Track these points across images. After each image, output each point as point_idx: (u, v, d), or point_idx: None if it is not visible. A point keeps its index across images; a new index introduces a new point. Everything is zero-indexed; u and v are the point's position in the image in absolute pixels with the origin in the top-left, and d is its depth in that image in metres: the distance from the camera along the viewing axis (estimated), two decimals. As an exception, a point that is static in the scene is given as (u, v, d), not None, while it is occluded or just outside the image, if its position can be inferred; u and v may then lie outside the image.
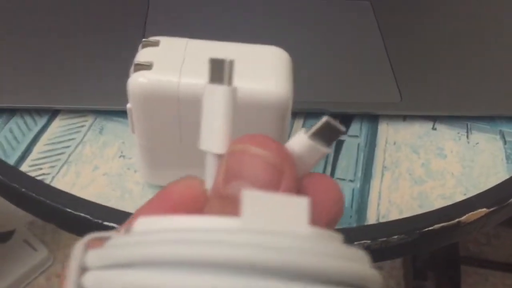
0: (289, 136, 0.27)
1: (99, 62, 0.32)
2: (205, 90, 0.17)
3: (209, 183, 0.16)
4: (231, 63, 0.17)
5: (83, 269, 0.12)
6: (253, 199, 0.12)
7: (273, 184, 0.14)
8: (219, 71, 0.17)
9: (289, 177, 0.14)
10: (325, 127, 0.15)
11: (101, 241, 0.13)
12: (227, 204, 0.14)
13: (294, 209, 0.12)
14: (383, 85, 0.32)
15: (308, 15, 0.37)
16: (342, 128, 0.15)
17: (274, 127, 0.24)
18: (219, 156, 0.16)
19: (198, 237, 0.11)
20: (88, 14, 0.35)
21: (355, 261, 0.12)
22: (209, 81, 0.17)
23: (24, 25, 0.34)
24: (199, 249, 0.11)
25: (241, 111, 0.23)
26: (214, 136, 0.16)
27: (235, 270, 0.11)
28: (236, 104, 0.17)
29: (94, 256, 0.12)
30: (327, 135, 0.15)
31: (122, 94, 0.30)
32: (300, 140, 0.15)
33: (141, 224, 0.13)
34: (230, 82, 0.17)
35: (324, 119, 0.15)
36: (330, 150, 0.16)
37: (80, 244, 0.13)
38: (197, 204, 0.15)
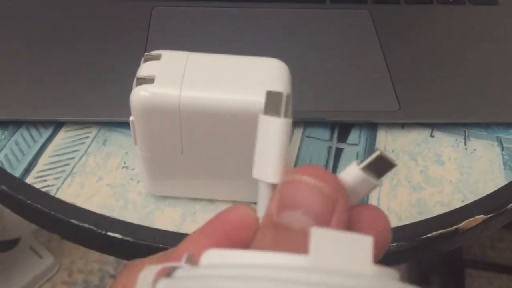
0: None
1: (102, 75, 0.32)
2: (260, 121, 0.17)
3: (261, 212, 0.16)
4: (288, 97, 0.17)
5: None
6: (321, 237, 0.13)
7: (326, 214, 0.14)
8: (276, 103, 0.17)
9: (342, 209, 0.15)
10: (378, 160, 0.16)
11: (167, 270, 0.13)
12: (281, 233, 0.14)
13: (359, 248, 0.13)
14: (382, 93, 0.33)
15: (307, 25, 0.38)
16: (394, 161, 0.16)
17: (273, 142, 0.24)
18: (273, 186, 0.16)
19: (270, 275, 0.12)
20: (92, 29, 0.36)
21: None
22: (264, 113, 0.17)
23: (30, 40, 0.35)
24: (272, 286, 0.11)
25: (240, 122, 0.24)
26: (268, 166, 0.17)
27: None
28: (288, 136, 0.17)
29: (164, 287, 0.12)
30: (379, 168, 0.16)
31: (125, 106, 0.30)
32: (352, 172, 0.16)
33: (209, 257, 0.13)
34: (286, 114, 0.17)
35: (377, 152, 0.16)
36: (379, 183, 0.16)
37: (149, 273, 0.13)
38: (250, 231, 0.16)
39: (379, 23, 0.38)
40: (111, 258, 1.05)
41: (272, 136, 0.17)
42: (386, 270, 0.13)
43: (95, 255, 1.06)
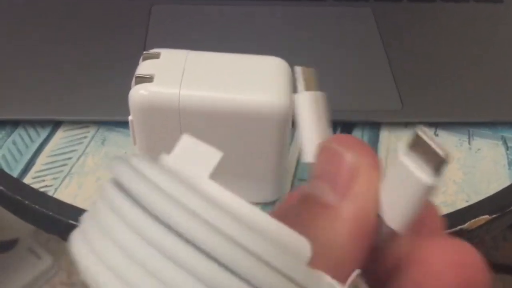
0: (290, 146, 0.28)
1: (101, 73, 0.32)
2: (299, 98, 0.17)
3: None
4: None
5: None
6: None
7: (343, 182, 0.13)
8: (311, 78, 0.17)
9: (366, 179, 0.13)
10: (418, 143, 0.11)
11: None
12: (304, 203, 0.13)
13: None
14: (384, 92, 0.33)
15: (308, 22, 0.37)
16: (442, 150, 0.11)
17: (274, 137, 0.24)
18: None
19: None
20: (90, 27, 0.35)
21: None
22: (305, 89, 0.17)
23: (26, 38, 0.34)
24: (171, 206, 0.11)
25: (242, 121, 0.23)
26: (307, 146, 0.16)
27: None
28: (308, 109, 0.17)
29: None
30: (424, 157, 0.11)
31: (123, 105, 0.30)
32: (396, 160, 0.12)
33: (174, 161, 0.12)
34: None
35: (417, 131, 0.11)
36: (433, 182, 0.11)
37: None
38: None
39: (382, 21, 0.38)
40: (111, 259, 1.05)
41: (312, 111, 0.17)
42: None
43: (94, 255, 1.06)
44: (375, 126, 0.32)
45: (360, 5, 0.39)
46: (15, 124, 0.30)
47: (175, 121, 0.23)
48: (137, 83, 0.23)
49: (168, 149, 0.25)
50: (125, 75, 0.32)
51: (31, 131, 0.30)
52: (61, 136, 0.30)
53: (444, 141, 0.31)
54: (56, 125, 0.31)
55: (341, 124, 0.32)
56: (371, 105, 0.32)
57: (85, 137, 0.30)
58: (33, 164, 0.29)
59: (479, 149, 0.31)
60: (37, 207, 0.27)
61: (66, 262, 1.02)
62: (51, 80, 0.31)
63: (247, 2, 0.38)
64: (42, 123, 0.30)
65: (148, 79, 0.23)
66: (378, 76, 0.34)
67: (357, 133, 0.31)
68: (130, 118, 0.24)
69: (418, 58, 0.35)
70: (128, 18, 0.36)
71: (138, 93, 0.23)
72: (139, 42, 0.34)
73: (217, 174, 0.12)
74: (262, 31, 0.36)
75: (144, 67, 0.24)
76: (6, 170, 0.28)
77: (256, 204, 0.28)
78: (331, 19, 0.38)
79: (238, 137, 0.24)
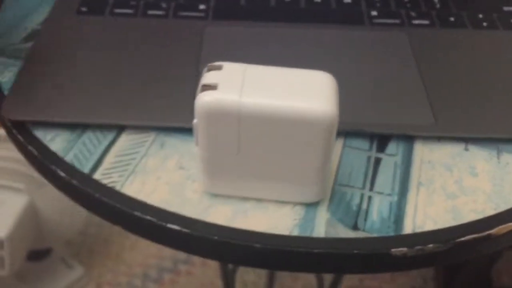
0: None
1: (159, 87, 0.36)
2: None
3: None
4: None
5: None
6: None
7: None
8: None
9: None
10: None
11: None
12: None
13: None
14: (418, 108, 0.35)
15: (348, 44, 0.40)
16: None
17: (322, 141, 0.27)
18: None
19: None
20: (151, 45, 0.39)
21: None
22: None
23: (103, 58, 0.38)
24: None
25: (293, 126, 0.26)
26: None
27: None
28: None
29: None
30: None
31: (179, 113, 0.34)
32: None
33: None
34: None
35: None
36: None
37: None
38: None
39: (416, 43, 0.41)
40: (139, 272, 1.08)
41: None
42: None
43: (123, 268, 1.09)
44: (409, 138, 0.35)
45: (396, 29, 0.42)
46: (84, 127, 0.34)
47: (235, 125, 0.27)
48: (202, 90, 0.26)
49: (227, 149, 0.29)
50: (180, 88, 0.36)
51: (99, 134, 0.34)
52: (125, 139, 0.34)
53: (474, 155, 0.34)
54: (120, 129, 0.34)
55: (378, 137, 0.35)
56: (406, 120, 0.35)
57: (146, 141, 0.34)
58: (101, 163, 0.32)
59: (507, 163, 0.33)
60: (105, 199, 0.30)
61: (96, 273, 1.06)
62: (118, 91, 0.35)
63: (292, 25, 0.42)
64: (108, 127, 0.34)
65: (212, 87, 0.26)
66: (413, 93, 0.36)
67: (392, 145, 0.34)
68: (194, 121, 0.27)
69: (450, 77, 0.38)
70: (183, 39, 0.40)
71: (203, 99, 0.26)
72: (193, 60, 0.38)
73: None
74: (307, 51, 0.39)
75: (208, 77, 0.27)
76: (78, 167, 0.32)
77: (300, 203, 0.30)
78: (369, 42, 0.41)
79: (289, 140, 0.27)
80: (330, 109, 0.26)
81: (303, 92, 0.27)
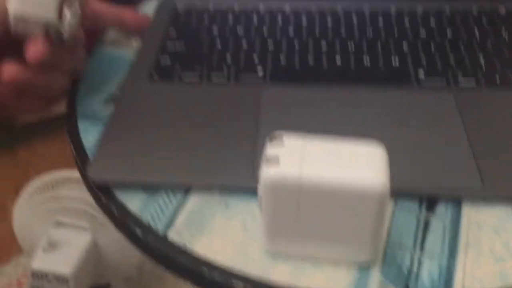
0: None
1: (222, 149, 0.39)
2: None
3: None
4: None
5: None
6: None
7: None
8: None
9: None
10: None
11: None
12: None
13: None
14: (465, 170, 0.37)
15: (396, 105, 0.43)
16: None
17: (374, 211, 0.29)
18: None
19: None
20: (216, 108, 0.43)
21: None
22: None
23: (168, 117, 0.42)
24: None
25: (349, 196, 0.29)
26: None
27: None
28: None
29: None
30: None
31: (242, 173, 0.37)
32: None
33: None
34: None
35: None
36: None
37: None
38: None
39: (462, 104, 0.43)
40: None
41: None
42: None
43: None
44: (457, 200, 0.37)
45: (442, 90, 0.44)
46: (157, 188, 0.38)
47: (295, 195, 0.30)
48: (266, 164, 0.30)
49: (288, 215, 0.32)
50: (241, 151, 0.39)
51: (170, 194, 0.38)
52: (193, 199, 0.37)
53: (521, 217, 0.35)
54: (189, 189, 0.38)
55: (427, 198, 0.37)
56: (453, 181, 0.37)
57: (212, 200, 0.37)
58: (173, 222, 0.36)
59: (555, 226, 0.35)
60: (177, 258, 0.34)
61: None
62: (187, 153, 0.39)
63: (343, 88, 0.45)
64: (178, 187, 0.38)
65: (275, 160, 0.30)
66: (460, 155, 0.38)
67: (441, 206, 0.36)
68: (259, 192, 0.30)
69: (497, 138, 0.40)
70: (244, 102, 0.44)
71: (267, 173, 0.30)
72: (253, 122, 0.41)
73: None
74: (358, 113, 0.42)
75: (271, 150, 0.30)
76: (153, 226, 0.35)
77: (355, 264, 0.33)
78: (417, 103, 0.43)
79: (345, 209, 0.30)
80: (381, 182, 0.29)
81: (357, 165, 0.29)
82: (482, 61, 0.47)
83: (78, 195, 0.90)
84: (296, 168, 0.29)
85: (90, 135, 0.42)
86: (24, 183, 0.94)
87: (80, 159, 0.40)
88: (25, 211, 0.93)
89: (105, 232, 0.90)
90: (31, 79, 0.40)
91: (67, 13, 0.39)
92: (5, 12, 0.38)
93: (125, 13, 0.50)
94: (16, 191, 1.05)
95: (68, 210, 0.91)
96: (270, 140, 0.31)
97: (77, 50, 0.44)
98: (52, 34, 0.40)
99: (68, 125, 0.44)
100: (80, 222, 0.90)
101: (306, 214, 0.31)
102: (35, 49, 0.39)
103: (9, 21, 0.38)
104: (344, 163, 0.30)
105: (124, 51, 0.51)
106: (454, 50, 0.48)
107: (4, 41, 0.40)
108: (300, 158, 0.30)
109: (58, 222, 0.91)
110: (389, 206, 0.36)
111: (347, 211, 0.30)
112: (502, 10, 0.53)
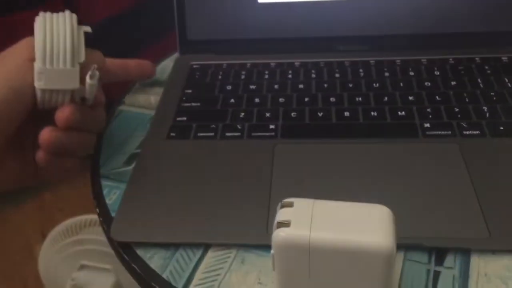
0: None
1: (237, 207, 0.41)
2: None
3: None
4: None
5: None
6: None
7: None
8: None
9: None
10: None
11: None
12: None
13: None
14: (473, 221, 0.39)
15: (403, 157, 0.45)
16: None
17: (382, 271, 0.31)
18: None
19: None
20: (231, 164, 0.45)
21: None
22: None
23: (185, 175, 0.45)
24: None
25: (357, 257, 0.31)
26: None
27: None
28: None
29: None
30: None
31: (256, 231, 0.39)
32: None
33: None
34: None
35: None
36: None
37: None
38: None
39: (468, 154, 0.44)
40: None
41: None
42: None
43: None
44: (466, 252, 0.38)
45: (448, 140, 0.46)
46: (177, 246, 0.40)
47: (306, 255, 0.31)
48: (278, 227, 0.32)
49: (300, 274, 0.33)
50: (257, 208, 0.41)
51: (189, 252, 0.40)
52: (210, 256, 0.39)
53: (529, 267, 0.36)
54: (206, 247, 0.40)
55: (435, 249, 0.38)
56: (461, 233, 0.38)
57: (229, 257, 0.39)
58: (192, 279, 0.38)
59: (562, 275, 0.36)
60: (197, 314, 0.35)
61: None
62: (203, 211, 0.41)
63: (353, 139, 0.47)
64: (196, 245, 0.40)
65: (286, 224, 0.32)
66: (466, 205, 0.40)
67: (450, 258, 0.38)
68: (272, 252, 0.32)
69: (502, 188, 0.41)
70: (257, 157, 0.46)
71: (279, 235, 0.31)
72: (267, 177, 0.44)
73: None
74: (366, 165, 0.44)
75: (282, 214, 0.32)
76: (173, 283, 0.37)
77: (366, 319, 0.34)
78: (423, 154, 0.45)
79: (353, 268, 0.31)
80: (388, 243, 0.30)
81: (364, 227, 0.31)
82: (485, 109, 0.48)
83: (101, 237, 0.93)
84: (305, 230, 0.31)
85: (114, 198, 0.45)
86: (50, 225, 0.97)
87: (104, 218, 0.43)
88: (50, 255, 0.96)
89: (128, 274, 0.92)
90: (63, 139, 0.43)
91: (88, 79, 0.42)
92: (32, 87, 0.41)
93: (129, 62, 0.55)
94: (42, 234, 1.08)
95: (92, 253, 0.93)
96: (281, 206, 0.33)
97: (98, 109, 0.47)
98: (76, 98, 0.43)
99: (92, 185, 0.46)
100: (103, 264, 0.92)
101: (317, 273, 0.32)
102: (62, 113, 0.42)
103: (37, 95, 0.42)
104: (351, 225, 0.31)
105: (144, 111, 0.54)
106: (458, 100, 0.50)
107: (35, 112, 0.43)
108: (309, 221, 0.32)
109: (82, 265, 0.93)
110: (398, 263, 0.38)
111: (356, 271, 0.31)
112: (505, 58, 0.55)
